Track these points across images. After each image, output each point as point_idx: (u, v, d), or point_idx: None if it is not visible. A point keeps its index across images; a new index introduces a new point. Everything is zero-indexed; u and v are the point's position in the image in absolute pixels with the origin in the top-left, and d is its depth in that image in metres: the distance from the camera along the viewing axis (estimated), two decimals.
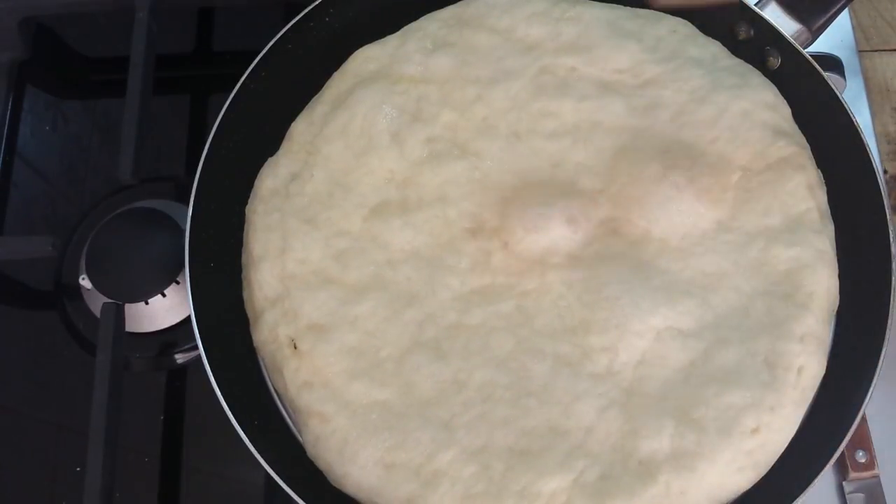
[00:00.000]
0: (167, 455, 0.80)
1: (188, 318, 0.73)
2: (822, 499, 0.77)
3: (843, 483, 0.77)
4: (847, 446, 0.68)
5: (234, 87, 0.77)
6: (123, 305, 0.80)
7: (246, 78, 0.77)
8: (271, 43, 0.79)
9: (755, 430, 0.64)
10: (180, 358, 0.84)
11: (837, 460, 0.66)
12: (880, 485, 0.76)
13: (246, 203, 0.77)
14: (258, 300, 0.72)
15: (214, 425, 0.68)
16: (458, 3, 0.82)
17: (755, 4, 0.79)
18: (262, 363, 0.74)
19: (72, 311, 0.85)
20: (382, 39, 0.81)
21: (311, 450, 0.68)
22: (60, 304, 0.86)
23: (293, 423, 0.72)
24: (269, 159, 0.78)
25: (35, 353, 0.85)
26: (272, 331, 0.71)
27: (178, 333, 0.83)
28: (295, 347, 0.70)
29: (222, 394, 0.67)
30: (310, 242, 0.73)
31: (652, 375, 0.67)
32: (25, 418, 0.83)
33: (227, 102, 0.76)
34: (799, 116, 0.76)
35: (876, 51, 0.97)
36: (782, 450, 0.66)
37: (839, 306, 0.71)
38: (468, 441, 0.65)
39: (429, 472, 0.65)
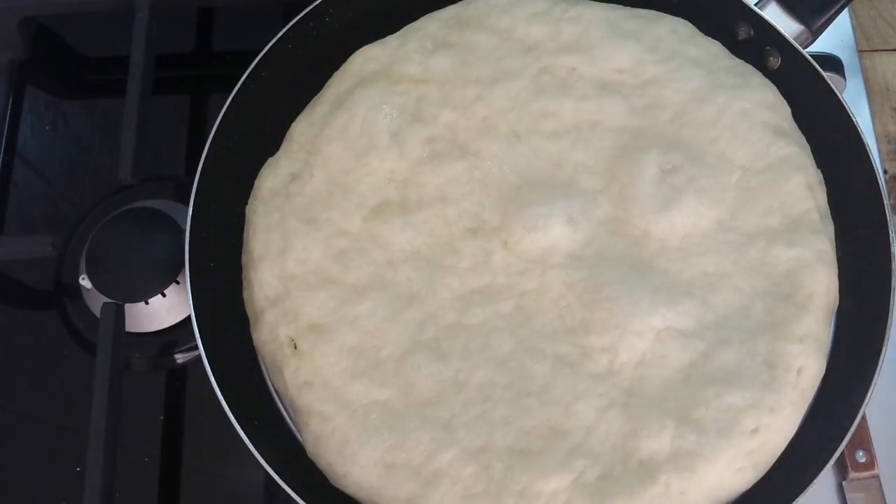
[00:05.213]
0: (167, 455, 0.80)
1: (188, 318, 0.73)
2: (822, 499, 0.77)
3: (843, 483, 0.77)
4: (847, 446, 0.68)
5: (234, 87, 0.77)
6: (123, 305, 0.80)
7: (246, 78, 0.77)
8: (271, 43, 0.79)
9: (755, 431, 0.65)
10: (180, 358, 0.84)
11: (837, 460, 0.66)
12: (880, 485, 0.76)
13: (246, 203, 0.77)
14: (258, 300, 0.72)
15: (214, 425, 0.68)
16: (459, 3, 0.82)
17: (755, 4, 0.78)
18: (262, 363, 0.74)
19: (72, 311, 0.85)
20: (383, 39, 0.81)
21: (312, 449, 0.68)
22: (60, 304, 0.86)
23: (293, 423, 0.72)
24: (269, 159, 0.78)
25: (35, 353, 0.85)
26: (272, 331, 0.71)
27: (178, 333, 0.83)
28: (295, 347, 0.70)
29: (222, 394, 0.67)
30: (310, 242, 0.73)
31: (652, 375, 0.67)
32: (25, 418, 0.83)
33: (227, 102, 0.76)
34: (799, 116, 0.76)
35: (876, 51, 0.97)
36: (782, 450, 0.66)
37: (839, 306, 0.71)
38: (468, 441, 0.65)
39: (429, 472, 0.65)
